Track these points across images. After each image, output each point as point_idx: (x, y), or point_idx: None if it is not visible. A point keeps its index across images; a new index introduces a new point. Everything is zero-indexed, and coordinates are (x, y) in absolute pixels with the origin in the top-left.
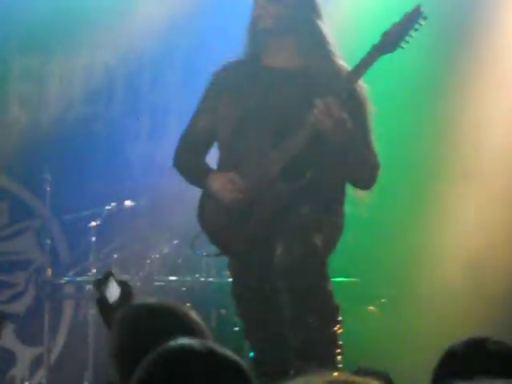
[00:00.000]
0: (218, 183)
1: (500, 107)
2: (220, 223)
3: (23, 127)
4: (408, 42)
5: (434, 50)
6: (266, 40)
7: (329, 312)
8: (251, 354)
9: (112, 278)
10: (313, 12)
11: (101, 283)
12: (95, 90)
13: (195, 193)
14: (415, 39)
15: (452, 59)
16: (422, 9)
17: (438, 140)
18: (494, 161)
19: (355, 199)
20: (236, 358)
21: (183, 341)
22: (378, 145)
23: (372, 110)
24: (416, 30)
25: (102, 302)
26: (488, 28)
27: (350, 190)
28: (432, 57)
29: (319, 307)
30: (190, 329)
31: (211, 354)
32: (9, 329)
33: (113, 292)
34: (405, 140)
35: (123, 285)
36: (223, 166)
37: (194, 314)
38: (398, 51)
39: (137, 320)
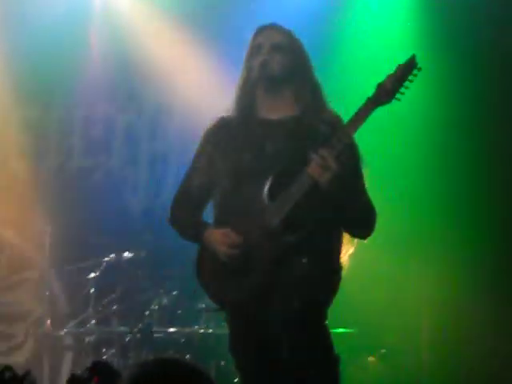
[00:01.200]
0: (213, 238)
1: None
2: (217, 278)
3: (23, 178)
4: (403, 93)
5: None
6: (268, 86)
7: (329, 364)
8: None
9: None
10: (309, 62)
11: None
12: (94, 141)
13: (194, 244)
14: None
15: None
16: (417, 59)
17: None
18: None
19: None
20: None
21: None
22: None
23: (363, 157)
24: (411, 81)
25: None
26: None
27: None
28: None
29: (319, 359)
30: None
31: None
32: None
33: None
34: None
35: None
36: (220, 220)
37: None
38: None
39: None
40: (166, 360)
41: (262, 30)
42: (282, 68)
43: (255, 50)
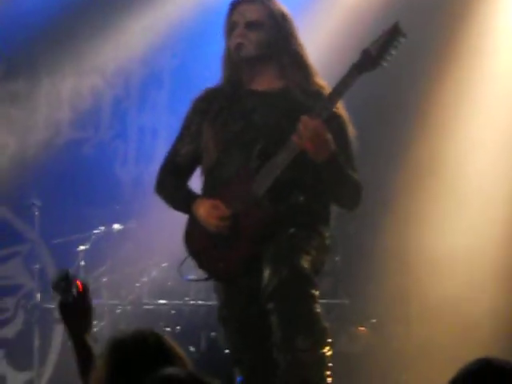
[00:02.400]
0: (202, 210)
1: None
2: (206, 248)
3: (11, 152)
4: (389, 60)
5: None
6: (249, 67)
7: (318, 334)
8: (239, 379)
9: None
10: (292, 34)
11: (60, 285)
12: (83, 115)
13: (184, 216)
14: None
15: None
16: (401, 25)
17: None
18: None
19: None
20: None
21: (169, 371)
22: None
23: (352, 129)
24: (396, 47)
25: (64, 305)
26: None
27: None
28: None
29: (308, 329)
30: (170, 356)
31: (196, 381)
32: None
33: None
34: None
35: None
36: (208, 190)
37: (170, 341)
38: None
39: (119, 354)
40: (150, 335)
41: (235, 6)
42: (258, 47)
43: (230, 28)
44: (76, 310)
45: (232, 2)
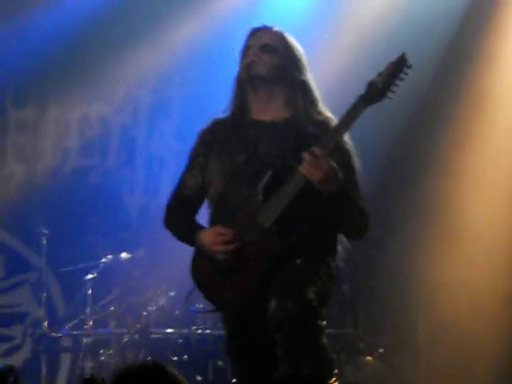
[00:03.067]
0: (206, 238)
1: None
2: (213, 279)
3: (19, 180)
4: (394, 91)
5: None
6: (257, 87)
7: (324, 365)
8: None
9: None
10: (301, 64)
11: None
12: (91, 142)
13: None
14: None
15: None
16: (407, 57)
17: None
18: None
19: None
20: None
21: None
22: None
23: (357, 159)
24: (402, 79)
25: None
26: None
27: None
28: None
29: (314, 361)
30: None
31: None
32: None
33: None
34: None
35: None
36: (215, 222)
37: (175, 372)
38: None
39: None
40: (152, 365)
41: (253, 32)
42: (269, 68)
43: (245, 51)
44: None
45: (250, 30)
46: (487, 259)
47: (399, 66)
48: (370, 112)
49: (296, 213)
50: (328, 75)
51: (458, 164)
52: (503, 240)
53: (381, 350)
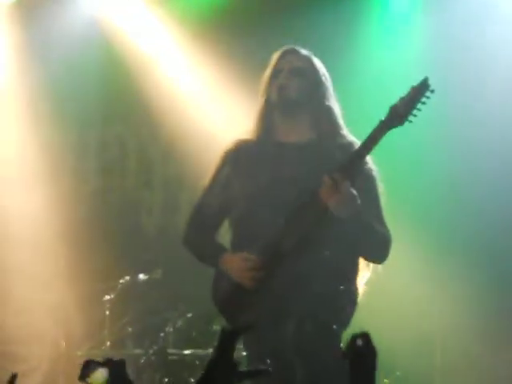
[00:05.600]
0: (232, 264)
1: None
2: (233, 302)
3: (38, 202)
4: (416, 115)
5: None
6: (287, 110)
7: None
8: None
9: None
10: (328, 89)
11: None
12: (109, 163)
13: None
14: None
15: None
16: (430, 81)
17: None
18: None
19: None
20: None
21: None
22: None
23: (381, 184)
24: (424, 103)
25: None
26: None
27: None
28: None
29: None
30: None
31: None
32: None
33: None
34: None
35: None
36: (236, 242)
37: None
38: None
39: None
40: None
41: (282, 54)
42: (299, 92)
43: (274, 74)
44: None
45: (281, 52)
46: None
47: (421, 90)
48: None
49: (317, 237)
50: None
51: None
52: None
53: (398, 373)
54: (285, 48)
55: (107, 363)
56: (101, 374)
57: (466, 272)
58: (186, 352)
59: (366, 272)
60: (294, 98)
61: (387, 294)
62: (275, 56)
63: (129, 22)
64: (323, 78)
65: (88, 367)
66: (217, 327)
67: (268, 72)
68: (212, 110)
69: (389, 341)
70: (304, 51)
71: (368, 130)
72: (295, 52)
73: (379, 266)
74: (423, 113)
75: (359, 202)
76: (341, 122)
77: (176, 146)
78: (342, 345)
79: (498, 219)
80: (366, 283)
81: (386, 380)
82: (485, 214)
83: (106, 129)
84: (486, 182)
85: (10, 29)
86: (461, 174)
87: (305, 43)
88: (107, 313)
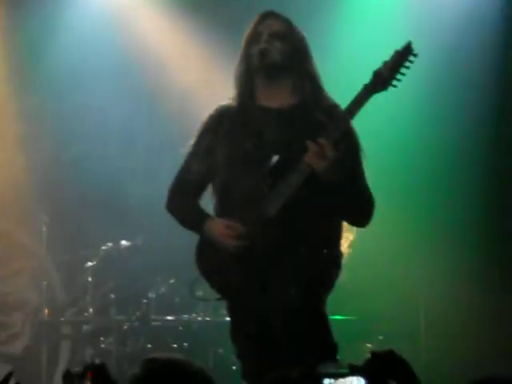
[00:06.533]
0: (217, 230)
1: None
2: (219, 268)
3: (19, 168)
4: (400, 80)
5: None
6: (269, 74)
7: (327, 351)
8: None
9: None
10: (308, 52)
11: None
12: (91, 130)
13: (191, 232)
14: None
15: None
16: (413, 45)
17: None
18: None
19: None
20: None
21: None
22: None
23: (363, 148)
24: (407, 67)
25: None
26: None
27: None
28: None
29: (318, 346)
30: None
31: None
32: (6, 370)
33: None
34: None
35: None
36: (220, 209)
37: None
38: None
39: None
40: (173, 363)
41: (261, 18)
42: (281, 56)
43: (254, 38)
44: None
45: (259, 15)
46: None
47: (405, 54)
48: None
49: (300, 201)
50: (332, 64)
51: None
52: None
53: (380, 337)
54: (263, 12)
55: (88, 369)
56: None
57: (448, 232)
58: (169, 318)
59: (349, 235)
60: (276, 62)
61: (369, 258)
62: (254, 20)
63: None
64: (304, 41)
65: (68, 380)
66: (199, 293)
67: (247, 36)
68: (191, 72)
69: (371, 304)
70: (282, 15)
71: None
72: (274, 15)
73: (362, 229)
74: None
75: (344, 165)
76: (322, 86)
77: (159, 110)
78: (324, 308)
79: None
80: (350, 246)
81: (368, 344)
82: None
83: (89, 94)
84: None
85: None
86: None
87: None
88: (90, 279)
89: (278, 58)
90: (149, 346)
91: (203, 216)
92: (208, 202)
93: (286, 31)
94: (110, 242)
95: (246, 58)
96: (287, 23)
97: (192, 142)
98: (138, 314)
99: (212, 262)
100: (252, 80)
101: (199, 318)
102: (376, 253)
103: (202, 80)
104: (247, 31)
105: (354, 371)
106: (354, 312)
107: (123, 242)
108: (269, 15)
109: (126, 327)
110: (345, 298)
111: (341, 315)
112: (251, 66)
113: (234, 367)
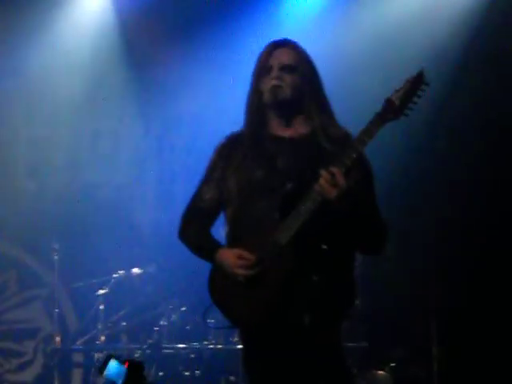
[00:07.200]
0: (228, 260)
1: None
2: (230, 296)
3: (31, 195)
4: (412, 109)
5: None
6: (279, 112)
7: (342, 379)
8: None
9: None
10: (318, 80)
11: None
12: (102, 157)
13: (202, 260)
14: None
15: None
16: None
17: None
18: None
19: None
20: None
21: None
22: None
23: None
24: (419, 96)
25: None
26: None
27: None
28: None
29: (332, 375)
30: None
31: None
32: None
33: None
34: None
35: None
36: (231, 238)
37: None
38: None
39: None
40: None
41: (270, 49)
42: (292, 90)
43: (264, 70)
44: None
45: (266, 46)
46: None
47: (416, 83)
48: None
49: (313, 230)
50: (339, 85)
51: None
52: None
53: (392, 364)
54: (271, 42)
55: (128, 361)
56: (118, 369)
57: None
58: (181, 346)
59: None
60: (289, 98)
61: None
62: (264, 51)
63: None
64: (314, 69)
65: (108, 360)
66: (211, 321)
67: (257, 68)
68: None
69: (384, 331)
70: (293, 43)
71: None
72: (284, 46)
73: None
74: None
75: (356, 194)
76: (333, 114)
77: (170, 139)
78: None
79: None
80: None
81: (380, 371)
82: None
83: (100, 122)
84: None
85: None
86: None
87: None
88: (101, 307)
89: (289, 94)
90: (160, 373)
91: (215, 245)
92: (218, 227)
93: (297, 62)
94: (121, 269)
95: (258, 93)
96: (297, 51)
97: (204, 170)
98: (149, 341)
99: (224, 290)
100: (263, 111)
101: (211, 346)
102: (388, 278)
103: (212, 107)
104: (257, 62)
105: None
106: (366, 339)
107: (135, 270)
108: (279, 45)
109: (137, 355)
110: (357, 324)
111: (352, 342)
112: (263, 100)
113: None
